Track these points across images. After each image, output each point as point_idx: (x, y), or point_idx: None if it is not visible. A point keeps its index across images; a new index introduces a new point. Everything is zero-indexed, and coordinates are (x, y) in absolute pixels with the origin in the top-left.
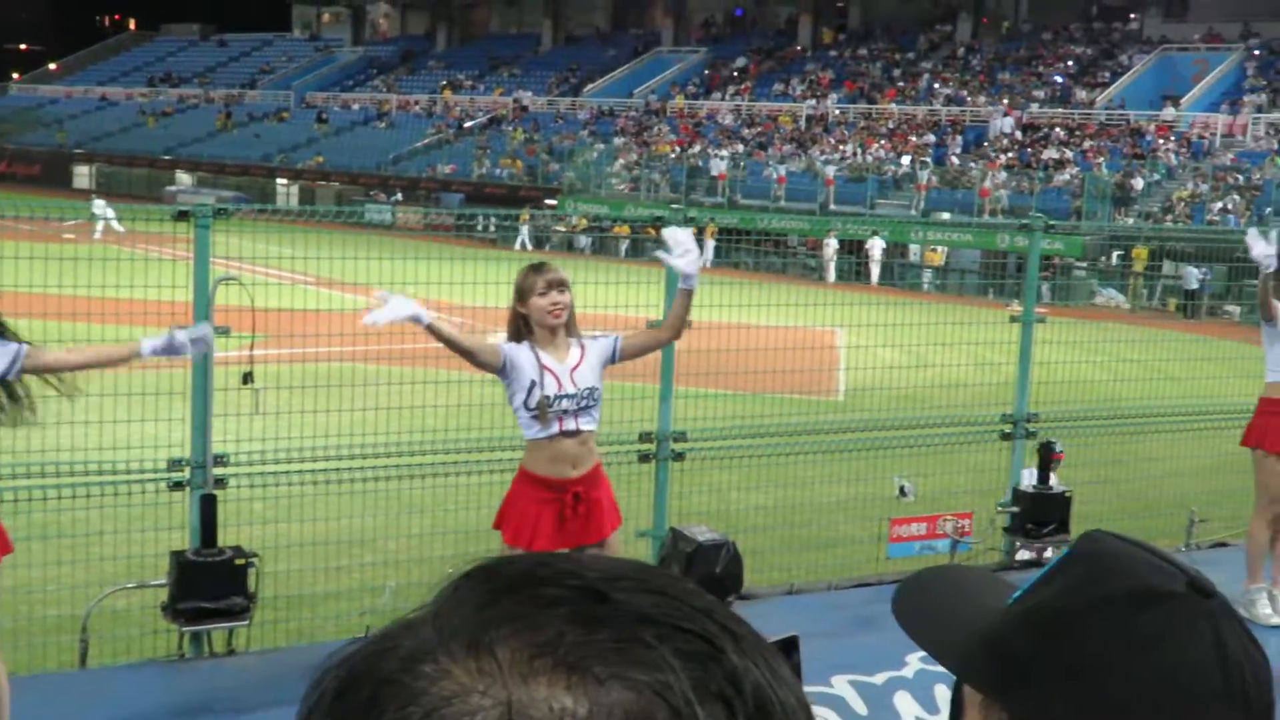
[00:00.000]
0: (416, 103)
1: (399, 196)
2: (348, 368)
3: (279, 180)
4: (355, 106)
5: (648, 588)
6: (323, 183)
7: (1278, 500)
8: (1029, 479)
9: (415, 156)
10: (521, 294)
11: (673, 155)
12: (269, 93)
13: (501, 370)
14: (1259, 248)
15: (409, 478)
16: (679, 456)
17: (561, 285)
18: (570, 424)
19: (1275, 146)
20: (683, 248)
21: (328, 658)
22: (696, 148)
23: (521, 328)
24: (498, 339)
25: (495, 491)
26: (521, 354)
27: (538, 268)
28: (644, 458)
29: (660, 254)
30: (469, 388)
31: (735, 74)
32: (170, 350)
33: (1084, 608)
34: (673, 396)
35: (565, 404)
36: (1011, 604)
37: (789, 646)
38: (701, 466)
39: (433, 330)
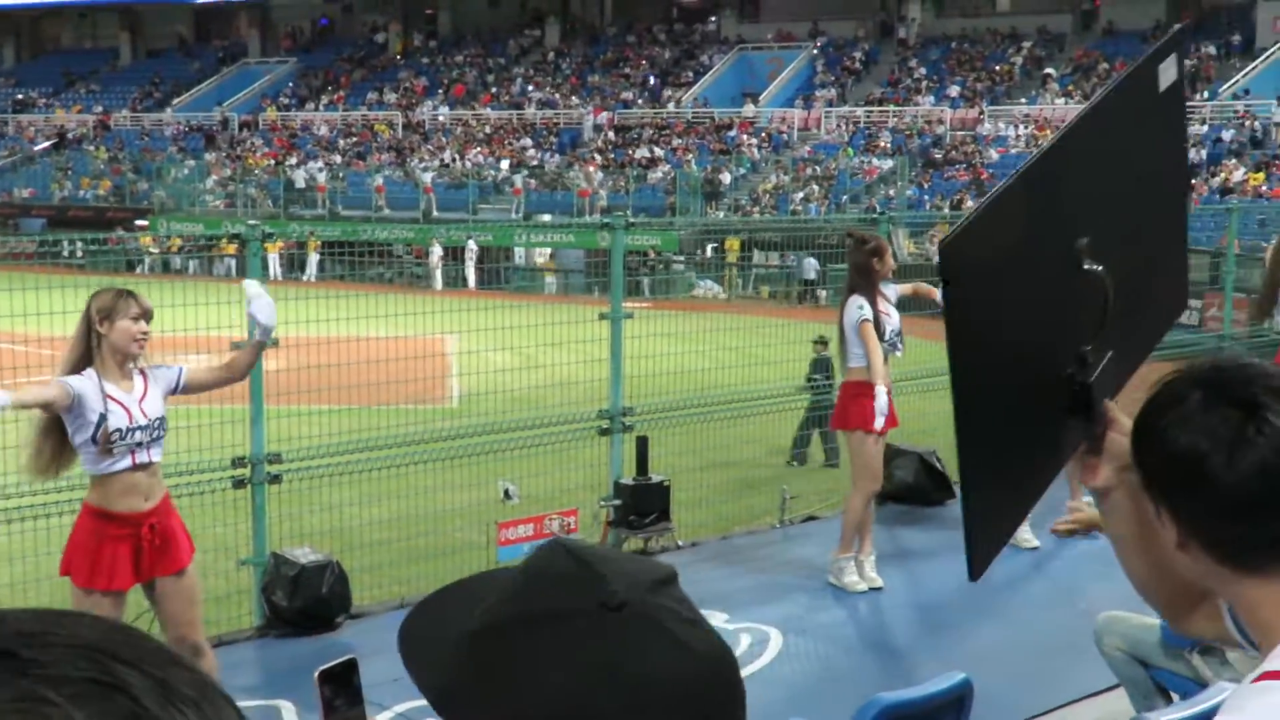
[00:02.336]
0: None
1: None
2: None
3: None
4: None
5: (74, 641)
6: None
7: (877, 479)
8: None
9: None
10: (110, 314)
11: (268, 169)
12: None
13: (70, 408)
14: None
15: None
16: (275, 479)
17: (150, 317)
18: (143, 456)
19: (846, 138)
20: (259, 299)
21: None
22: (293, 160)
23: (91, 350)
24: (54, 375)
25: (45, 539)
26: (87, 386)
27: (131, 293)
28: (239, 483)
29: (248, 308)
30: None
31: (327, 84)
32: None
33: (500, 627)
34: (264, 418)
35: (139, 435)
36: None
37: (349, 669)
38: (313, 486)
39: (21, 406)
